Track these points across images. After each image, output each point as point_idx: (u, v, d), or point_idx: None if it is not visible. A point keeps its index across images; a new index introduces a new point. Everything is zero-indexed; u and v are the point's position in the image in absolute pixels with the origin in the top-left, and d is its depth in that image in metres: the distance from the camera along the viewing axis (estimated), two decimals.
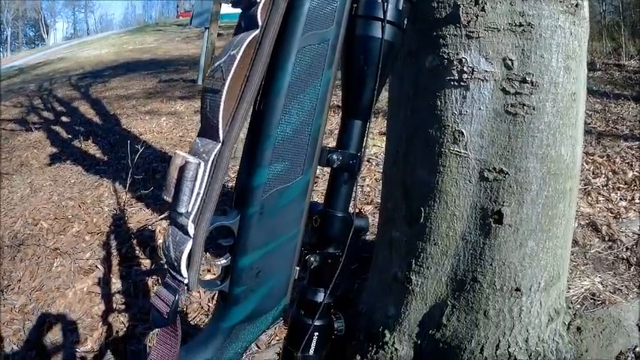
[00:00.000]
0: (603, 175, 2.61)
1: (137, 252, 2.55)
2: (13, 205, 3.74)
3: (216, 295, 0.71)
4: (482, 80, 1.05)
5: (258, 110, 0.64)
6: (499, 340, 1.14)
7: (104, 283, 2.41)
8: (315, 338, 0.77)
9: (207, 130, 0.62)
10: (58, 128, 5.24)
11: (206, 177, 0.59)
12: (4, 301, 2.56)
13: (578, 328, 1.27)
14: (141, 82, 6.45)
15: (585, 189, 2.45)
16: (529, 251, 1.10)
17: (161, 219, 2.77)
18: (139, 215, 2.91)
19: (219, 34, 5.40)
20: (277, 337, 1.76)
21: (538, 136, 1.05)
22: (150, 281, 2.30)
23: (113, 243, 2.71)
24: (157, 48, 10.34)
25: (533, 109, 1.04)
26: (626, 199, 2.35)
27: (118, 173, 3.57)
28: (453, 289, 1.16)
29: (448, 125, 1.09)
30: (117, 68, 8.10)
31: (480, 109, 1.06)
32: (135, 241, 2.63)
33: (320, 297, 0.76)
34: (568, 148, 1.10)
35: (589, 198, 2.39)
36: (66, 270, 2.65)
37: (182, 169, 0.58)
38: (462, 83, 1.06)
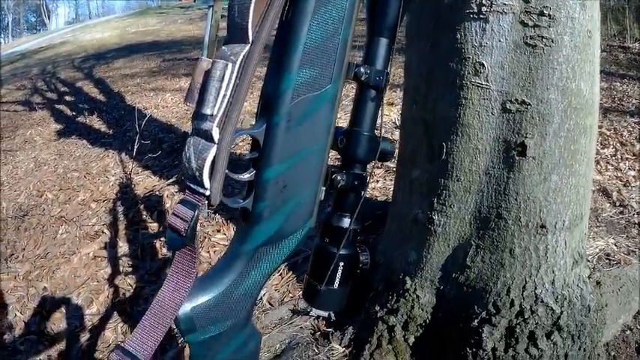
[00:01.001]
0: (612, 146, 2.60)
1: (144, 216, 2.53)
2: (17, 179, 3.72)
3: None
4: (501, 13, 1.04)
5: (285, 20, 0.62)
6: (525, 281, 1.13)
7: (110, 247, 2.40)
8: (340, 269, 0.74)
9: (235, 35, 0.59)
10: (61, 107, 5.21)
11: (233, 78, 0.56)
12: (8, 269, 2.55)
13: (598, 282, 1.27)
14: (144, 62, 6.42)
15: (594, 158, 2.44)
16: (553, 186, 1.09)
17: (169, 184, 2.75)
18: (145, 182, 2.89)
19: (222, 16, 5.37)
20: (290, 295, 1.74)
21: (558, 69, 1.04)
22: (158, 243, 2.28)
23: (120, 209, 2.69)
24: (160, 30, 10.28)
25: (552, 41, 1.03)
26: (634, 169, 2.34)
27: (123, 145, 3.55)
28: (476, 228, 1.15)
29: (468, 57, 1.08)
30: (120, 50, 8.06)
31: (499, 41, 1.05)
32: (142, 206, 2.61)
33: (346, 223, 0.72)
34: (587, 83, 1.09)
35: (598, 166, 2.37)
36: (71, 237, 2.63)
37: (208, 72, 0.55)
38: (481, 16, 1.06)
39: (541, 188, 1.09)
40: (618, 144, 2.64)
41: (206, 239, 2.20)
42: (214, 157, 0.57)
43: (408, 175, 1.29)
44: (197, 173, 0.57)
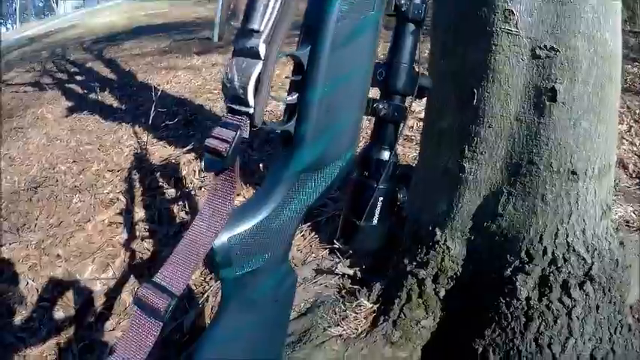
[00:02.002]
0: (625, 123, 2.59)
1: (161, 183, 2.49)
2: (29, 155, 3.69)
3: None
4: None
5: None
6: (557, 229, 1.12)
7: (127, 213, 2.36)
8: (379, 204, 0.71)
9: None
10: (72, 86, 5.17)
11: None
12: (20, 238, 2.51)
13: (621, 242, 1.26)
14: (155, 43, 6.36)
15: None
16: (583, 132, 1.10)
17: (185, 152, 2.71)
18: (161, 151, 2.85)
19: None
20: (313, 255, 1.69)
21: (584, 17, 1.07)
22: (176, 208, 2.24)
23: (135, 176, 2.65)
24: (170, 12, 10.24)
25: None
26: None
27: (137, 118, 3.50)
28: (508, 175, 1.15)
29: (498, 5, 1.10)
30: (129, 32, 8.00)
31: None
32: (158, 174, 2.57)
33: (385, 155, 0.70)
34: (612, 35, 1.11)
35: None
36: (85, 205, 2.59)
37: None
38: None
39: (571, 134, 1.10)
40: (632, 121, 2.64)
41: None
42: (260, 73, 0.55)
43: (437, 127, 1.28)
44: (240, 91, 0.55)
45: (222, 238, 0.63)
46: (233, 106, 0.57)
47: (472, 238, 1.23)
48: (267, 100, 0.56)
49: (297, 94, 0.61)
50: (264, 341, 0.91)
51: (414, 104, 0.73)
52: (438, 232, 1.28)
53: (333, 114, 0.62)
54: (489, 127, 1.14)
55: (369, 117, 0.68)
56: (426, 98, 1.37)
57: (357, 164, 0.72)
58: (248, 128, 0.57)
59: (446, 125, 1.25)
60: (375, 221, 0.71)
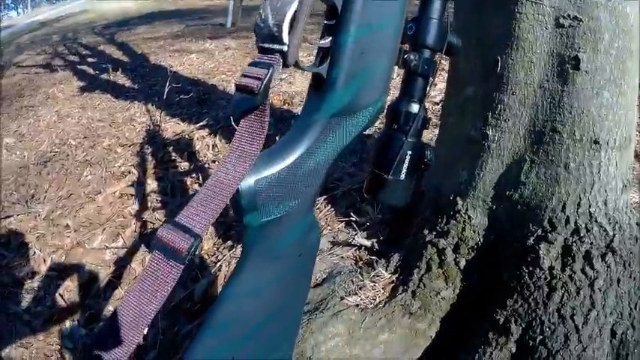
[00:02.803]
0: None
1: (174, 157, 2.47)
2: (39, 131, 3.67)
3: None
4: None
5: None
6: (580, 198, 1.12)
7: (138, 185, 2.33)
8: (407, 158, 0.71)
9: None
10: (84, 67, 5.15)
11: None
12: (28, 209, 2.49)
13: (638, 224, 1.23)
14: (167, 28, 6.33)
15: None
16: (605, 102, 1.11)
17: (198, 128, 2.68)
18: (174, 128, 2.82)
19: None
20: (329, 227, 1.67)
21: None
22: (189, 181, 2.21)
23: (148, 150, 2.62)
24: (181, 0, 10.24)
25: None
26: None
27: (149, 97, 3.48)
28: (531, 143, 1.15)
29: None
30: (141, 18, 8.00)
31: None
32: (171, 149, 2.54)
33: (415, 109, 0.71)
34: (632, 9, 1.12)
35: None
36: (96, 178, 2.57)
37: None
38: None
39: (594, 103, 1.10)
40: None
41: None
42: (295, 11, 0.55)
43: (461, 95, 1.28)
44: (275, 29, 0.55)
45: (249, 181, 0.61)
46: (265, 45, 0.56)
47: (494, 207, 1.22)
48: (300, 40, 0.56)
49: (330, 38, 0.60)
50: (286, 299, 0.89)
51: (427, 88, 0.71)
52: (460, 202, 1.27)
53: (365, 60, 0.62)
54: (513, 94, 1.14)
55: (399, 73, 0.68)
56: (448, 68, 1.40)
57: (386, 117, 0.73)
58: (281, 67, 0.56)
59: (470, 93, 1.25)
60: (402, 176, 0.71)
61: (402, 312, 1.30)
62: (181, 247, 0.56)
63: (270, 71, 0.56)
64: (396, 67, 0.67)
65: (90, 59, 5.52)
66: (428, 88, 0.71)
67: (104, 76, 4.43)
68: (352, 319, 1.29)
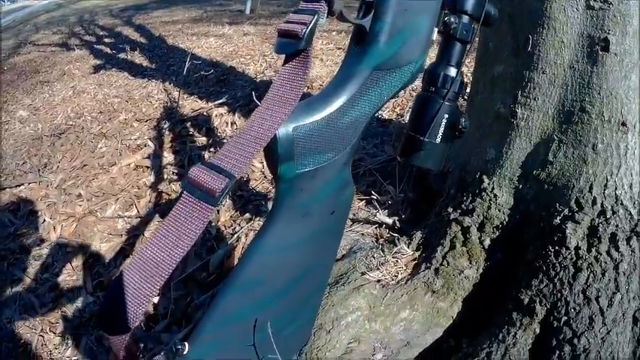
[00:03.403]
0: None
1: (192, 132, 2.43)
2: (54, 105, 3.65)
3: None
4: None
5: None
6: (607, 180, 1.12)
7: (155, 157, 2.30)
8: (443, 122, 0.71)
9: None
10: (101, 47, 5.14)
11: None
12: (40, 178, 2.46)
13: None
14: (185, 12, 6.31)
15: None
16: (632, 85, 1.10)
17: (217, 106, 2.64)
18: (192, 105, 2.79)
19: None
20: None
21: None
22: (207, 155, 2.18)
23: (165, 125, 2.59)
24: None
25: None
26: None
27: (167, 77, 3.45)
28: (560, 122, 1.14)
29: None
30: (159, 2, 7.97)
31: None
32: (189, 124, 2.51)
33: (452, 72, 0.71)
34: None
35: None
36: (111, 150, 2.55)
37: None
38: None
39: (622, 85, 1.10)
40: None
41: None
42: None
43: (490, 72, 1.28)
44: None
45: (287, 128, 0.61)
46: None
47: (520, 186, 1.22)
48: None
49: None
50: (315, 260, 0.86)
51: None
52: (486, 180, 1.27)
53: (408, 17, 0.63)
54: (543, 73, 1.14)
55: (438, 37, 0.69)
56: (477, 47, 1.40)
57: (423, 80, 0.73)
58: (326, 14, 0.58)
59: (500, 70, 1.25)
60: (438, 139, 0.71)
61: (424, 289, 1.27)
62: (214, 188, 0.54)
63: (316, 17, 0.57)
64: (436, 30, 0.67)
65: (107, 40, 5.50)
66: (466, 54, 0.72)
67: (121, 55, 4.42)
68: (374, 294, 1.26)
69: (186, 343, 0.81)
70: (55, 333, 1.62)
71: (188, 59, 2.90)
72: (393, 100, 2.39)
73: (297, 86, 0.61)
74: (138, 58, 4.18)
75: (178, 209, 0.57)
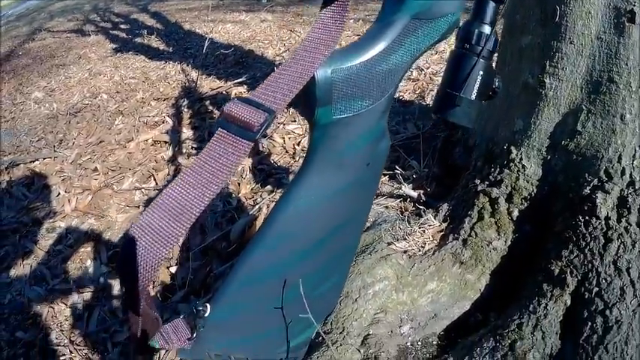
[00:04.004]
0: None
1: (211, 109, 2.40)
2: (70, 87, 3.63)
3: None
4: None
5: None
6: (635, 150, 1.12)
7: (173, 132, 2.27)
8: (478, 78, 0.71)
9: None
10: (117, 32, 5.12)
11: None
12: (55, 153, 2.44)
13: None
14: (202, 0, 6.30)
15: None
16: None
17: (236, 84, 2.61)
18: (210, 84, 2.76)
19: None
20: None
21: None
22: None
23: (183, 103, 2.57)
24: None
25: None
26: None
27: (185, 59, 3.42)
28: (588, 92, 1.15)
29: None
30: None
31: None
32: (208, 102, 2.48)
33: (487, 30, 0.71)
34: None
35: None
36: (128, 126, 2.52)
37: None
38: None
39: None
40: None
41: (280, 127, 2.07)
42: None
43: (518, 43, 1.30)
44: None
45: (326, 70, 0.60)
46: None
47: (548, 157, 1.22)
48: None
49: None
50: (348, 215, 0.83)
51: None
52: (514, 151, 1.27)
53: None
54: (571, 43, 1.15)
55: None
56: (504, 19, 1.42)
57: (458, 37, 0.73)
58: None
59: (528, 41, 1.25)
60: (473, 96, 0.71)
61: (452, 260, 1.25)
62: (253, 121, 0.53)
63: None
64: None
65: (122, 26, 5.48)
66: (499, 14, 0.72)
67: (138, 39, 4.39)
68: (401, 264, 1.24)
69: (207, 305, 0.78)
70: (66, 304, 1.60)
71: (207, 42, 2.86)
72: (414, 82, 2.36)
73: (336, 30, 0.61)
74: (155, 42, 4.16)
75: (212, 146, 0.55)
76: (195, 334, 0.79)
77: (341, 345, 1.09)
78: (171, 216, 0.50)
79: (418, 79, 2.37)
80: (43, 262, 1.80)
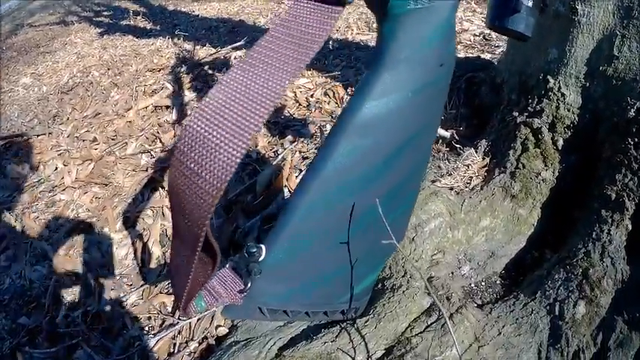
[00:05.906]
0: None
1: (212, 73, 2.30)
2: (58, 70, 3.51)
3: None
4: None
5: None
6: None
7: (175, 97, 2.17)
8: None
9: None
10: (101, 18, 4.99)
11: None
12: (49, 129, 2.32)
13: None
14: None
15: None
16: None
17: (234, 49, 2.51)
18: (207, 51, 2.66)
19: None
20: None
21: None
22: None
23: (182, 69, 2.46)
24: None
25: None
26: None
27: (175, 35, 3.30)
28: (620, 17, 1.10)
29: None
30: None
31: None
32: (207, 67, 2.38)
33: None
34: None
35: None
36: (125, 97, 2.43)
37: None
38: None
39: None
40: None
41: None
42: None
43: None
44: None
45: None
46: None
47: (587, 84, 1.18)
48: None
49: None
50: (423, 119, 0.77)
51: None
52: (551, 80, 1.22)
53: None
54: None
55: None
56: None
57: None
58: None
59: None
60: (530, 3, 0.70)
61: (502, 194, 1.19)
62: None
63: None
64: None
65: (105, 12, 5.36)
66: None
67: (123, 22, 4.28)
68: (451, 200, 1.17)
69: (262, 246, 0.69)
70: (73, 281, 1.49)
71: (196, 18, 2.76)
72: None
73: None
74: (141, 23, 4.05)
75: (290, 15, 0.48)
76: (249, 285, 0.69)
77: (407, 289, 1.00)
78: (248, 100, 0.40)
79: None
80: (44, 239, 1.69)
